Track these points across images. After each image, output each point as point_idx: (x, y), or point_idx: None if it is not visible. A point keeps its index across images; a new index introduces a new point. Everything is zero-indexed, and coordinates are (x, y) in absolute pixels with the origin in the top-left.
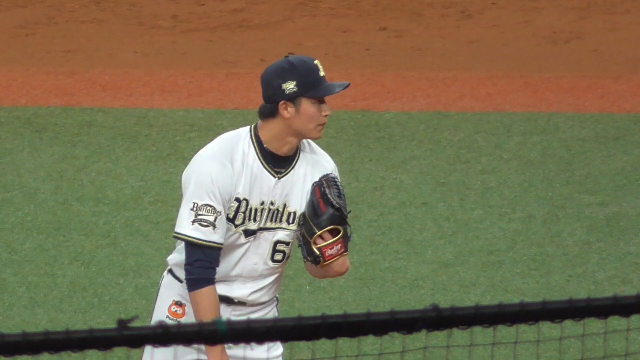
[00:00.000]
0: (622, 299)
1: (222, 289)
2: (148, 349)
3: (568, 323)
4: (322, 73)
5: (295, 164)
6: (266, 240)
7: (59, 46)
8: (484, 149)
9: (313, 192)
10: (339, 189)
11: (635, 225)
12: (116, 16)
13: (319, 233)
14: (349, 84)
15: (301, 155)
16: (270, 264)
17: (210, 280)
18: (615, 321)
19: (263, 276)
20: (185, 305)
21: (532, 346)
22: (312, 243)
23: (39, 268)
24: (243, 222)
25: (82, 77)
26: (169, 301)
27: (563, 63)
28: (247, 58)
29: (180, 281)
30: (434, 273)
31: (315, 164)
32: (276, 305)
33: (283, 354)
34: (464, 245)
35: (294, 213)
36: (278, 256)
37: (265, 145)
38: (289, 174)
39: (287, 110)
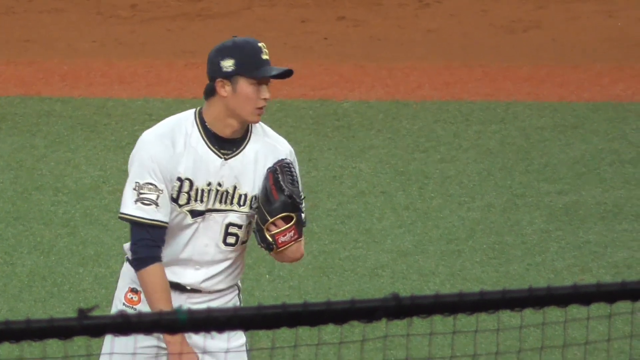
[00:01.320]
0: (582, 288)
1: (173, 275)
2: (109, 336)
3: (528, 312)
4: (264, 56)
5: (245, 147)
6: (216, 223)
7: (17, 36)
8: (443, 138)
9: (266, 178)
10: (293, 176)
11: (594, 214)
12: (75, 5)
13: (271, 220)
14: (290, 71)
15: (252, 137)
16: (223, 247)
17: (156, 259)
18: (575, 309)
19: (217, 261)
20: (140, 293)
21: (492, 335)
22: (265, 230)
23: None
24: (188, 203)
25: (40, 67)
26: (125, 288)
27: (521, 52)
28: (206, 48)
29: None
30: (393, 262)
31: (268, 147)
32: (238, 294)
33: (245, 344)
34: (423, 234)
35: (245, 195)
36: (230, 239)
37: (208, 126)
38: (237, 156)
39: (224, 89)
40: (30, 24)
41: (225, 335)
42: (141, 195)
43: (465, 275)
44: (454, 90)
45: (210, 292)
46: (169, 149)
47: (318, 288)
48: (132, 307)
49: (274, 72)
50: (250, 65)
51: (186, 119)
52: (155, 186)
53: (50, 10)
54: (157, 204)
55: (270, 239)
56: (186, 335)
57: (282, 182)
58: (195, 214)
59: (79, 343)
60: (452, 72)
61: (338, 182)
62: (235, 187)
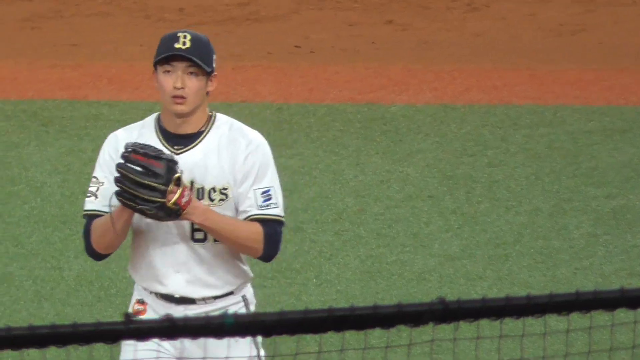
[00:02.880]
0: (629, 292)
1: (159, 286)
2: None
3: (575, 316)
4: (178, 45)
5: (200, 141)
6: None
7: (65, 39)
8: (491, 142)
9: (134, 162)
10: (144, 148)
11: None
12: (122, 9)
13: (170, 186)
14: (195, 60)
15: (212, 131)
16: (192, 243)
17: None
18: (622, 314)
19: (194, 262)
20: (146, 304)
21: (539, 339)
22: (166, 203)
23: (46, 262)
24: None
25: (88, 71)
26: (134, 300)
27: (569, 56)
28: (254, 51)
29: (134, 281)
30: (440, 266)
31: (230, 140)
32: (245, 307)
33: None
34: (470, 238)
35: (202, 189)
36: (198, 235)
37: (161, 123)
38: (190, 151)
39: (154, 81)
40: (77, 28)
41: (224, 341)
42: (89, 189)
43: (512, 279)
44: (502, 94)
45: (205, 301)
46: (121, 144)
47: (365, 292)
48: (139, 318)
49: (165, 54)
50: (160, 52)
51: (151, 117)
52: (97, 179)
53: (98, 14)
54: (95, 196)
55: (174, 207)
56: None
57: (150, 152)
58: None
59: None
60: (500, 75)
61: (385, 186)
62: (192, 182)
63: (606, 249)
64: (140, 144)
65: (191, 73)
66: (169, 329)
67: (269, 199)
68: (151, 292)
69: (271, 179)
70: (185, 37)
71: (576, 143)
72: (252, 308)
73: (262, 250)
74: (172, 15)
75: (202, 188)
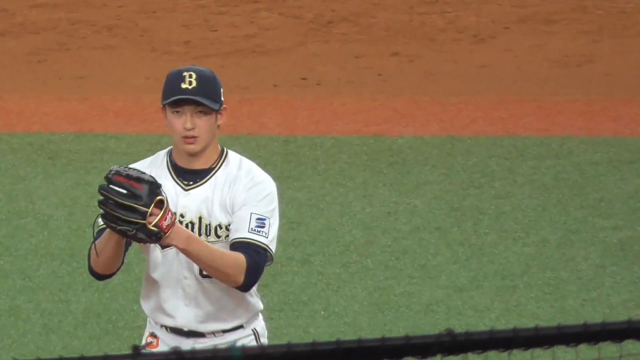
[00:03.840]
0: (637, 323)
1: (168, 319)
2: None
3: (583, 347)
4: (184, 85)
5: (210, 177)
6: None
7: (71, 72)
8: (498, 174)
9: (117, 184)
10: (127, 172)
11: None
12: (128, 42)
13: (150, 210)
14: (200, 102)
15: (221, 169)
16: (201, 278)
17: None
18: (630, 345)
19: (203, 296)
20: (158, 338)
21: None
22: (147, 224)
23: (53, 295)
24: None
25: (94, 104)
26: (147, 333)
27: (575, 86)
28: (260, 83)
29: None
30: (448, 298)
31: (237, 178)
32: (256, 340)
33: None
34: (478, 269)
35: (209, 225)
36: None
37: (173, 158)
38: (200, 187)
39: (164, 120)
40: (83, 61)
41: None
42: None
43: (520, 310)
44: (508, 125)
45: (214, 335)
46: None
47: (373, 324)
48: (150, 351)
49: (172, 99)
50: (167, 93)
51: (162, 152)
52: None
53: (104, 46)
54: None
55: (155, 229)
56: None
57: (133, 174)
58: (164, 246)
59: None
60: (506, 106)
61: (393, 218)
62: (200, 218)
63: (614, 280)
64: (125, 167)
65: (200, 112)
66: None
67: (262, 227)
68: (162, 326)
69: (271, 213)
70: (190, 75)
71: (583, 174)
72: (264, 341)
73: (242, 280)
74: (178, 48)
75: (209, 224)
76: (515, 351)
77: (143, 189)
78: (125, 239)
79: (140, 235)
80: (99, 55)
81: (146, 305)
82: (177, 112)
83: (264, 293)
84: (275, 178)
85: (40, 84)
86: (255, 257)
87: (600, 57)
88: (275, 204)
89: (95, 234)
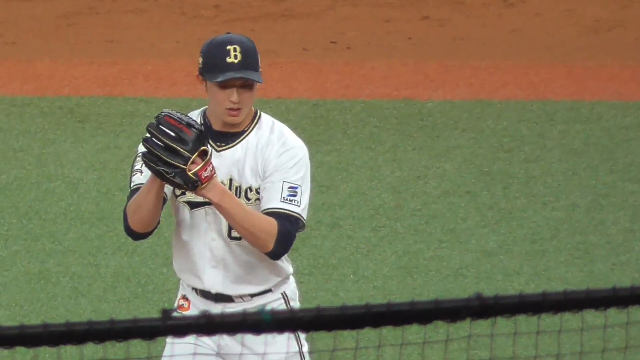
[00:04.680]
0: None
1: (196, 281)
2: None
3: (612, 311)
4: (230, 59)
5: (242, 140)
6: (217, 215)
7: (101, 36)
8: (527, 138)
9: (166, 125)
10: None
11: None
12: (158, 6)
13: (193, 157)
14: (250, 79)
15: (254, 131)
16: (229, 240)
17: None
18: None
19: (231, 259)
20: (190, 301)
21: (576, 334)
22: (186, 170)
23: (83, 258)
24: (184, 193)
25: (124, 67)
26: (179, 295)
27: (606, 52)
28: (290, 47)
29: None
30: (477, 262)
31: (269, 142)
32: (286, 304)
33: (298, 353)
34: (507, 234)
35: (239, 187)
36: (235, 232)
37: (207, 118)
38: (232, 149)
39: (202, 85)
40: (113, 25)
41: (262, 338)
42: (134, 167)
43: (549, 275)
44: (538, 90)
45: (242, 299)
46: None
47: (402, 288)
48: (182, 313)
49: (220, 79)
50: (211, 68)
51: (196, 112)
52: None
53: (134, 10)
54: (141, 171)
55: (194, 177)
56: (221, 339)
57: (184, 119)
58: (193, 205)
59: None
60: (537, 71)
61: (422, 182)
62: (231, 180)
63: None
64: (178, 111)
65: (245, 86)
66: (206, 325)
67: (294, 196)
68: (192, 289)
69: (302, 180)
70: (235, 49)
71: (612, 139)
72: (295, 305)
73: (272, 246)
74: (208, 12)
75: (240, 186)
76: (544, 315)
77: (191, 135)
78: (163, 190)
79: (178, 180)
80: (129, 19)
81: (176, 266)
82: (223, 87)
83: (294, 257)
84: (305, 142)
85: (70, 47)
86: (288, 224)
87: (631, 22)
88: (306, 170)
89: (130, 190)
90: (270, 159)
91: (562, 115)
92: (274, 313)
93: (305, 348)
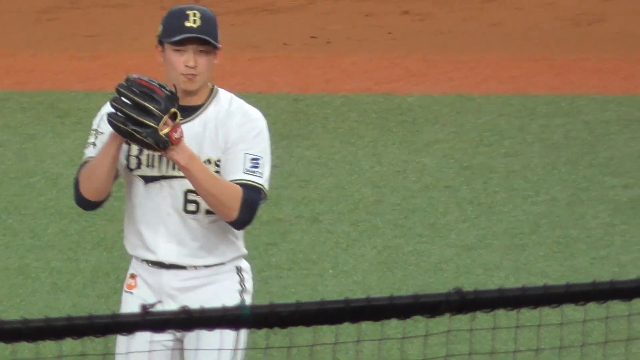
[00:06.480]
0: None
1: (149, 253)
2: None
3: (592, 306)
4: (189, 23)
5: (200, 113)
6: (174, 189)
7: (82, 30)
8: (508, 132)
9: (136, 86)
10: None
11: None
12: (139, 0)
13: (165, 117)
14: (208, 40)
15: (211, 106)
16: (185, 215)
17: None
18: (639, 303)
19: (185, 232)
20: (136, 277)
21: (556, 329)
22: (158, 130)
23: (62, 253)
24: (139, 167)
25: (105, 62)
26: (128, 275)
27: (587, 45)
28: (270, 42)
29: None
30: (457, 256)
31: (228, 115)
32: (240, 282)
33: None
34: (487, 228)
35: None
36: (191, 206)
37: None
38: (190, 123)
39: (159, 55)
40: (94, 19)
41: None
42: (88, 141)
43: (529, 269)
44: (519, 84)
45: (196, 269)
46: None
47: (382, 283)
48: (130, 292)
49: (180, 37)
50: (171, 30)
51: None
52: (96, 130)
53: (115, 4)
54: (94, 144)
55: (165, 138)
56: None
57: (156, 82)
58: (148, 179)
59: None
60: (517, 65)
61: (402, 177)
62: None
63: (623, 239)
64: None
65: (202, 51)
66: (185, 320)
67: (256, 167)
68: (142, 260)
69: (263, 151)
70: (194, 14)
71: (593, 133)
72: (248, 279)
73: (237, 214)
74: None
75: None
76: (524, 310)
77: (163, 95)
78: (119, 155)
79: (150, 140)
80: (110, 13)
81: (127, 243)
82: (179, 50)
83: (273, 252)
84: (284, 136)
85: (50, 42)
86: (252, 193)
87: (612, 16)
88: (267, 139)
89: (82, 162)
90: (232, 130)
91: (543, 110)
92: (253, 308)
93: (243, 343)
